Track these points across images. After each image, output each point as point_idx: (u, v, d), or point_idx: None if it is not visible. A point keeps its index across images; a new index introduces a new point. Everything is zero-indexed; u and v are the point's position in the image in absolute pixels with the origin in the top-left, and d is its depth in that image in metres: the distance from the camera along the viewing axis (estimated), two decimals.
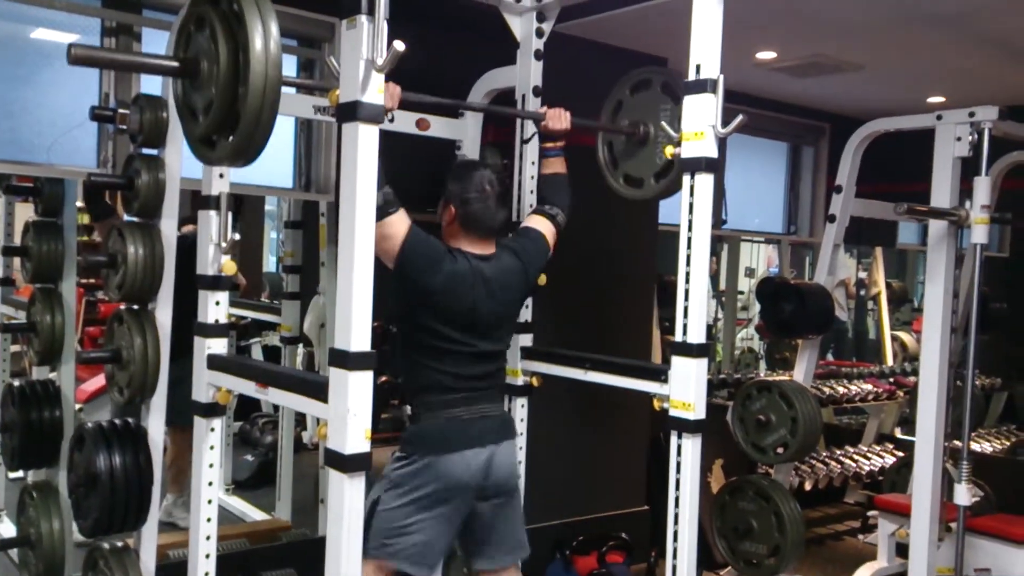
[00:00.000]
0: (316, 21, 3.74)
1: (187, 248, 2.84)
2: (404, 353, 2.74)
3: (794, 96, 5.62)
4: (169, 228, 2.84)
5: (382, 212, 2.37)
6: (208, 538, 2.74)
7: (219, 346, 2.76)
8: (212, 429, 2.76)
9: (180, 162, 2.82)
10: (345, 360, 2.14)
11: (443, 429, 2.70)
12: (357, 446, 2.15)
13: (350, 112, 2.12)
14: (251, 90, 1.86)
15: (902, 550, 4.02)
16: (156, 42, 3.38)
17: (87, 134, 3.40)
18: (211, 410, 2.75)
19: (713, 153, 2.61)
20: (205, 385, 2.74)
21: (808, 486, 5.06)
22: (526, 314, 3.33)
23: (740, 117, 2.55)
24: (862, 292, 7.80)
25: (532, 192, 3.26)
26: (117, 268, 2.80)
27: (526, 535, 2.95)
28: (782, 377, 5.03)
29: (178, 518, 4.41)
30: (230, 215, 2.70)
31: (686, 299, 2.65)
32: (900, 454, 5.43)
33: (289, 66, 3.86)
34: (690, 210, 2.64)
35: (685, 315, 2.66)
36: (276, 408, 5.13)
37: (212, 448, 2.76)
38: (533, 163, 3.24)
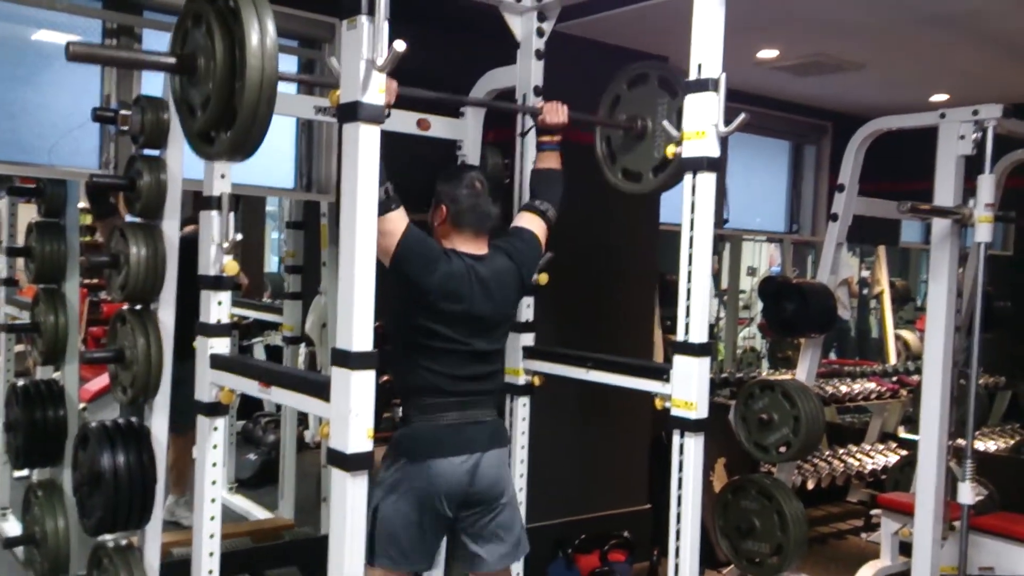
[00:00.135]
0: (316, 22, 3.74)
1: (185, 249, 2.85)
2: (399, 353, 2.74)
3: (796, 95, 5.61)
4: (171, 228, 2.84)
5: (383, 208, 2.36)
6: (211, 536, 2.75)
7: (222, 346, 2.76)
8: (215, 428, 2.76)
9: (182, 163, 2.82)
10: (347, 360, 2.14)
11: (433, 433, 2.69)
12: (359, 445, 2.16)
13: (351, 112, 2.12)
14: (248, 84, 1.87)
15: (905, 549, 4.02)
16: (157, 44, 3.38)
17: (89, 135, 3.41)
18: (214, 409, 2.76)
19: (715, 152, 2.61)
20: (208, 384, 2.74)
21: (811, 485, 5.06)
22: (528, 313, 3.33)
23: (742, 116, 2.55)
24: (865, 291, 7.78)
25: None
26: (120, 268, 2.80)
27: (521, 538, 2.94)
28: (784, 376, 5.04)
29: (181, 517, 4.42)
30: (232, 215, 2.70)
31: (688, 298, 2.65)
32: (903, 453, 5.43)
33: (290, 67, 3.86)
34: (692, 209, 2.64)
35: (687, 314, 2.66)
36: (278, 407, 5.14)
37: (215, 447, 2.76)
38: (533, 161, 3.24)
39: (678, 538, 2.70)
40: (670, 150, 2.74)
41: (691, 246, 2.65)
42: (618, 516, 4.62)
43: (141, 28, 3.44)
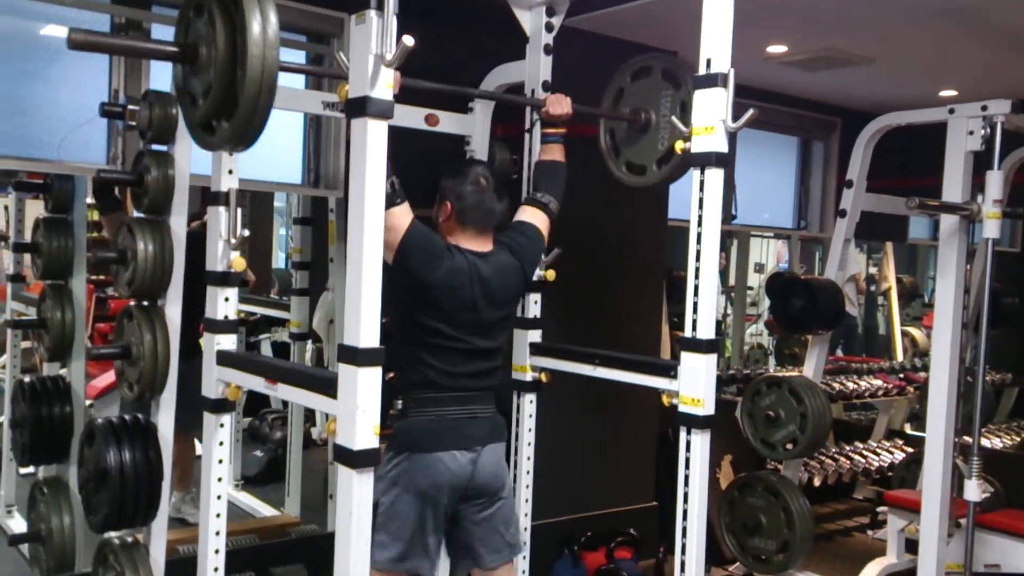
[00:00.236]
0: (325, 16, 3.73)
1: (192, 245, 2.85)
2: (399, 348, 2.73)
3: (805, 90, 5.59)
4: (178, 224, 2.84)
5: (388, 202, 2.34)
6: (217, 533, 2.75)
7: (229, 342, 2.76)
8: (221, 425, 2.76)
9: (189, 158, 2.82)
10: (354, 356, 2.14)
11: (431, 427, 2.69)
12: (366, 442, 2.15)
13: (359, 107, 2.11)
14: (249, 72, 1.87)
15: (911, 546, 4.01)
16: (165, 38, 3.37)
17: (97, 130, 3.40)
18: (220, 406, 2.75)
19: (723, 148, 2.60)
20: (214, 381, 2.74)
21: (817, 482, 5.05)
22: (535, 309, 3.33)
23: (750, 111, 2.54)
24: (872, 287, 7.76)
25: None
26: (127, 264, 2.80)
27: (519, 535, 2.94)
28: (792, 373, 5.03)
29: (187, 514, 4.42)
30: (239, 211, 2.70)
31: (695, 294, 2.64)
32: (910, 450, 5.41)
33: (298, 61, 3.85)
34: (700, 205, 2.63)
35: (694, 311, 2.65)
36: (285, 404, 5.13)
37: (221, 444, 2.76)
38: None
39: (684, 535, 2.69)
40: (679, 145, 2.73)
41: (699, 242, 2.64)
42: (624, 513, 4.62)
43: (150, 23, 3.44)
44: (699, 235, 2.64)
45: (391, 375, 4.38)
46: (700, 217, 2.63)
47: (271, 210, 6.60)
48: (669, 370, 2.75)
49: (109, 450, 2.75)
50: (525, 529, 3.36)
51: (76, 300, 3.55)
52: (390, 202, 2.42)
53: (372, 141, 2.12)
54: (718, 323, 6.14)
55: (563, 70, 3.28)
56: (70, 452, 3.43)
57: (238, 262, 2.70)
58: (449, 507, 2.73)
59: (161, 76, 3.26)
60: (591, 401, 4.39)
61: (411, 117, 3.19)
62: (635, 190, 3.23)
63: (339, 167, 3.94)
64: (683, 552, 2.70)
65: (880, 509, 4.98)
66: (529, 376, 3.32)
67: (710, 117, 2.58)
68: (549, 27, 3.25)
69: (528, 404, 3.33)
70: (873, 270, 7.71)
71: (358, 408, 2.13)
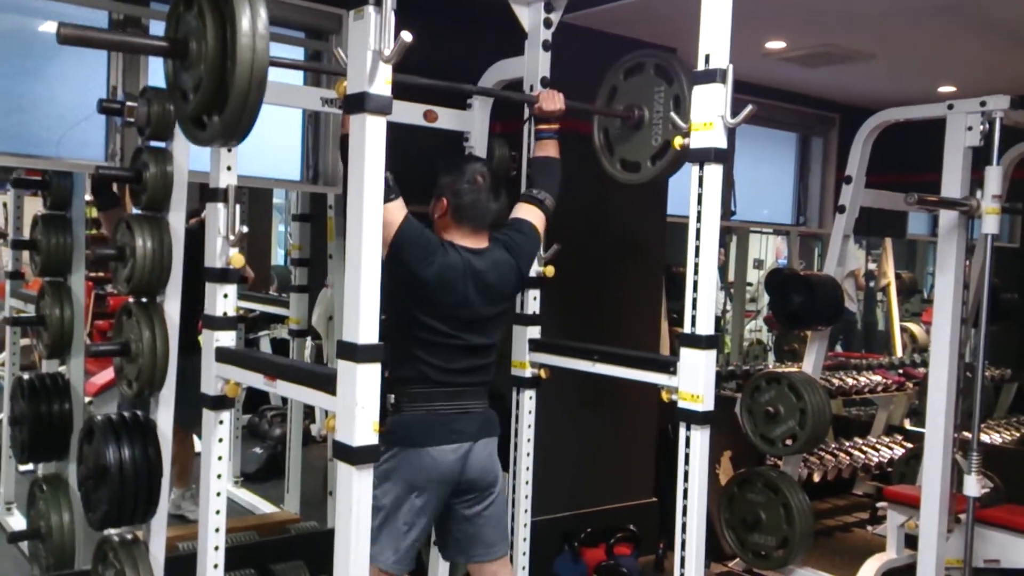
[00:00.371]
0: (324, 13, 3.73)
1: (190, 242, 2.84)
2: (392, 343, 2.73)
3: (803, 86, 5.59)
4: (177, 221, 2.84)
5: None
6: (217, 530, 2.75)
7: (228, 339, 2.76)
8: (221, 422, 2.76)
9: (188, 154, 2.81)
10: (353, 352, 2.14)
11: (423, 421, 2.70)
12: (365, 438, 2.15)
13: (357, 103, 2.11)
14: (239, 65, 1.87)
15: (911, 541, 4.01)
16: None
17: (95, 127, 3.40)
18: (220, 403, 2.75)
19: (722, 144, 2.59)
20: (214, 378, 2.74)
21: (817, 478, 5.05)
22: (534, 306, 3.33)
23: (749, 107, 2.54)
24: (871, 283, 7.77)
25: None
26: (126, 261, 2.80)
27: (507, 532, 2.95)
28: (791, 369, 5.03)
29: (187, 511, 4.42)
30: (238, 208, 2.70)
31: (695, 290, 2.64)
32: (909, 445, 5.42)
33: (297, 58, 3.84)
34: (699, 201, 2.63)
35: (694, 306, 2.65)
36: (285, 401, 5.14)
37: (221, 441, 2.76)
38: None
39: (684, 531, 2.70)
40: (677, 141, 2.73)
41: (698, 238, 2.63)
42: (624, 509, 4.62)
43: (148, 19, 3.43)
44: (698, 231, 2.64)
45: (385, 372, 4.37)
46: (699, 213, 2.63)
47: (270, 206, 6.61)
48: (668, 366, 2.75)
49: (108, 447, 2.75)
50: (525, 525, 3.36)
51: (75, 297, 3.55)
52: (384, 198, 2.41)
53: (371, 137, 2.12)
54: (717, 319, 6.14)
55: (562, 66, 3.27)
56: (69, 449, 3.43)
57: (237, 258, 2.69)
58: (440, 502, 2.74)
59: (159, 72, 3.24)
60: (590, 397, 4.39)
61: (410, 113, 3.19)
62: (634, 186, 3.23)
63: (338, 163, 3.94)
64: (683, 548, 2.70)
65: (880, 505, 4.97)
66: (528, 372, 3.32)
67: (709, 113, 2.58)
68: (548, 23, 3.24)
69: (527, 400, 3.33)
70: (872, 266, 7.73)
71: (357, 404, 2.13)
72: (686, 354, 2.67)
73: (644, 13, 4.01)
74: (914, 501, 3.85)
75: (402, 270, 2.58)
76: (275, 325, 6.11)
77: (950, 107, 3.56)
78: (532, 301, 3.32)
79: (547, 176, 3.03)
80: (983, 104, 3.47)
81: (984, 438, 4.99)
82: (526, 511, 3.36)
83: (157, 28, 3.44)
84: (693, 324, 2.65)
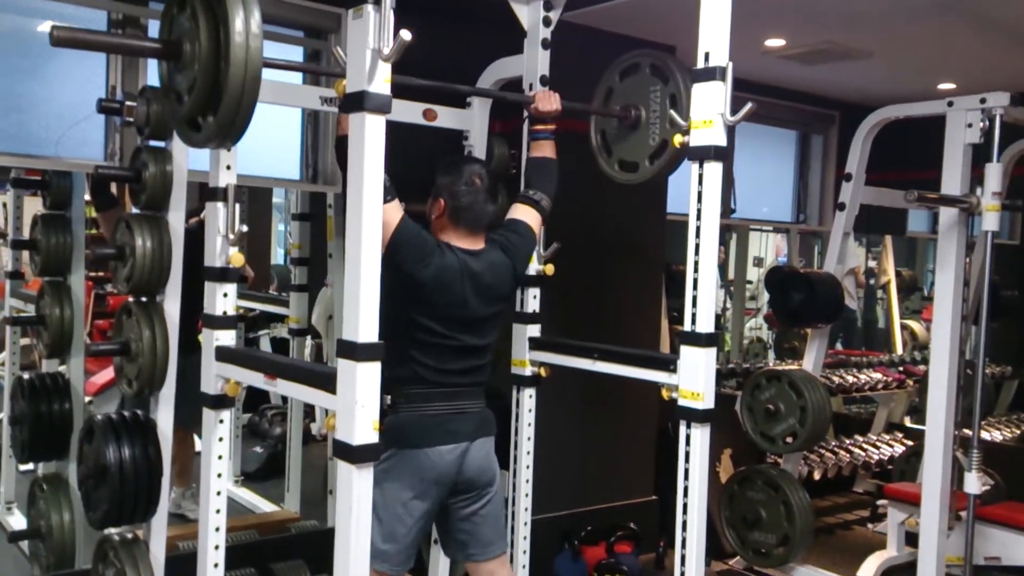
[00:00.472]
0: (323, 12, 3.73)
1: (190, 241, 2.84)
2: (389, 344, 2.73)
3: (803, 84, 5.59)
4: (177, 220, 2.84)
5: None
6: (217, 529, 2.75)
7: (228, 338, 2.76)
8: (221, 421, 2.76)
9: (187, 154, 2.81)
10: (353, 351, 2.14)
11: (420, 422, 2.70)
12: (365, 437, 2.15)
13: (357, 102, 2.11)
14: (232, 65, 1.87)
15: (912, 539, 4.02)
16: None
17: (95, 127, 3.40)
18: (220, 402, 2.75)
19: (722, 141, 2.59)
20: (214, 377, 2.74)
21: (817, 475, 5.05)
22: (534, 304, 3.33)
23: (749, 105, 2.53)
24: (871, 281, 7.76)
25: None
26: (125, 260, 2.80)
27: (505, 529, 2.96)
28: (791, 366, 5.03)
29: (187, 510, 4.42)
30: (237, 207, 2.70)
31: (695, 288, 2.64)
32: (909, 443, 5.41)
33: (295, 57, 3.85)
34: (699, 199, 2.62)
35: (694, 304, 2.64)
36: (285, 400, 5.14)
37: (221, 440, 2.76)
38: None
39: (684, 529, 2.70)
40: (677, 139, 2.73)
41: (698, 236, 2.63)
42: (624, 507, 4.62)
43: (147, 19, 3.43)
44: (698, 229, 2.63)
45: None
46: (699, 211, 2.63)
47: (270, 206, 6.60)
48: (668, 364, 2.76)
49: (108, 446, 2.75)
50: (525, 524, 3.36)
51: (75, 297, 3.55)
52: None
53: (370, 136, 2.11)
54: (717, 317, 6.14)
55: (561, 65, 3.27)
56: (69, 449, 3.43)
57: (236, 258, 2.69)
58: (438, 502, 2.75)
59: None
60: (591, 396, 4.39)
61: (409, 112, 3.19)
62: (633, 185, 3.23)
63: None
64: (683, 546, 2.70)
65: (880, 502, 4.98)
66: (528, 371, 3.32)
67: (708, 111, 2.58)
68: (547, 21, 3.24)
69: (528, 399, 3.33)
70: (872, 263, 7.72)
71: (357, 403, 2.13)
72: (686, 352, 2.67)
73: (643, 11, 4.01)
74: (914, 499, 3.85)
75: (398, 271, 2.57)
76: (275, 324, 6.11)
77: (950, 104, 3.56)
78: (532, 299, 3.32)
79: (543, 177, 3.03)
80: (983, 101, 3.47)
81: (984, 435, 4.98)
82: (526, 509, 3.36)
83: (157, 27, 3.44)
84: (693, 322, 2.65)
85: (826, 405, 4.06)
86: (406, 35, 2.04)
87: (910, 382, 5.71)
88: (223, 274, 2.71)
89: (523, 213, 2.95)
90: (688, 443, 2.68)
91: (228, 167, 2.71)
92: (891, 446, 5.48)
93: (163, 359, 2.80)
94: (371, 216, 2.14)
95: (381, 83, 2.11)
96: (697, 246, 2.63)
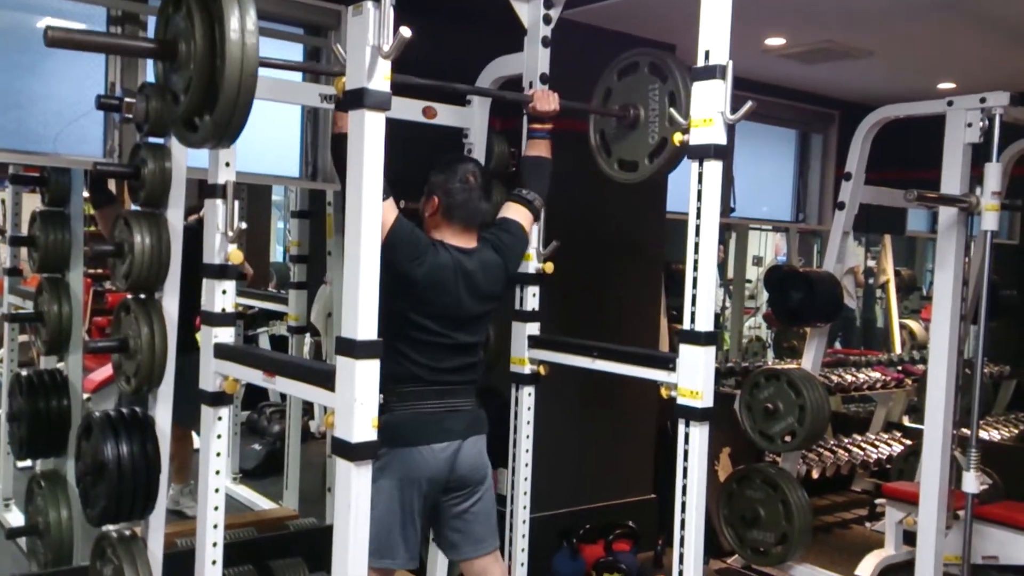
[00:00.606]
0: (323, 9, 3.72)
1: (189, 238, 2.84)
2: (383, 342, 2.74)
3: (803, 83, 5.58)
4: (175, 217, 2.83)
5: None
6: (215, 527, 2.75)
7: (226, 335, 2.75)
8: (219, 418, 2.76)
9: (186, 151, 2.80)
10: (352, 348, 2.14)
11: (414, 420, 2.71)
12: (364, 434, 2.15)
13: (356, 99, 2.11)
14: (228, 64, 1.87)
15: (910, 538, 4.02)
16: None
17: (93, 123, 3.39)
18: (218, 399, 2.75)
19: (722, 140, 2.59)
20: (212, 374, 2.74)
21: (816, 474, 5.05)
22: (533, 303, 3.33)
23: (749, 104, 2.53)
24: (871, 280, 7.77)
25: None
26: (124, 257, 2.80)
27: (497, 526, 2.96)
28: (790, 365, 5.03)
29: (185, 507, 4.42)
30: (236, 204, 2.70)
31: (694, 287, 2.64)
32: (908, 442, 5.41)
33: (295, 54, 3.84)
34: (698, 198, 2.62)
35: (693, 303, 2.64)
36: (283, 397, 5.14)
37: (219, 437, 2.76)
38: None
39: (683, 527, 2.69)
40: (677, 138, 2.72)
41: (697, 235, 2.63)
42: (623, 506, 4.62)
43: (146, 16, 3.42)
44: (697, 228, 2.63)
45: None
46: (698, 210, 2.63)
47: (269, 203, 6.61)
48: (668, 362, 2.75)
49: (107, 443, 2.74)
50: (524, 522, 3.36)
51: (73, 293, 3.54)
52: None
53: (370, 133, 2.11)
54: (717, 316, 6.13)
55: (561, 63, 3.27)
56: (67, 445, 3.42)
57: (235, 255, 2.69)
58: (431, 499, 2.75)
59: None
60: (590, 394, 4.39)
61: (408, 109, 3.19)
62: (633, 184, 3.23)
63: None
64: (682, 544, 2.70)
65: (878, 501, 4.98)
66: (527, 369, 3.32)
67: (708, 109, 2.57)
68: (547, 19, 3.24)
69: (527, 397, 3.33)
70: (871, 263, 7.72)
71: (356, 401, 2.13)
72: (685, 350, 2.67)
73: (643, 9, 4.01)
74: (913, 498, 3.85)
75: (392, 270, 2.57)
76: (274, 321, 6.12)
77: (950, 103, 3.56)
78: (531, 298, 3.32)
79: (537, 176, 3.03)
80: (983, 100, 3.46)
81: (983, 435, 4.99)
82: (525, 507, 3.36)
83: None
84: (692, 321, 2.65)
85: (825, 404, 4.06)
86: (406, 32, 2.04)
87: (909, 381, 5.71)
88: (222, 271, 2.71)
89: (515, 212, 2.95)
90: (687, 441, 2.67)
91: (227, 164, 2.71)
92: (889, 445, 5.49)
93: (161, 356, 2.80)
94: (370, 213, 2.14)
95: (381, 80, 2.10)
96: (697, 245, 2.63)
